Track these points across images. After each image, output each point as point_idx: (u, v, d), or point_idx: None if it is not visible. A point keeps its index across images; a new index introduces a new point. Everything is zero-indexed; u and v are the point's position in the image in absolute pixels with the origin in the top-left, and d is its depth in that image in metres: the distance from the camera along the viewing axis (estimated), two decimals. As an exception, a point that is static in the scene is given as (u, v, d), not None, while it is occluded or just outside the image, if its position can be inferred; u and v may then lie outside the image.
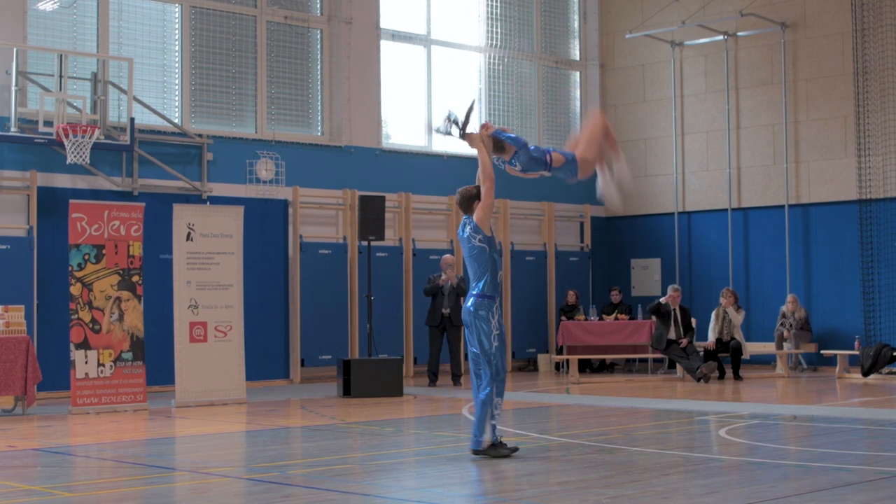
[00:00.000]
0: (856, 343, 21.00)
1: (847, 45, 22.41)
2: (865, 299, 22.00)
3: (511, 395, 17.71)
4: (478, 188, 10.60)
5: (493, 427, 10.26)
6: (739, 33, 23.82)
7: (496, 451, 10.24)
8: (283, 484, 9.10)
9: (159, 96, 19.70)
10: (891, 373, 20.09)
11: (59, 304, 17.08)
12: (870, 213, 22.00)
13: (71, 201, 15.96)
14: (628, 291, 24.97)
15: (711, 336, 20.52)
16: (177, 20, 19.96)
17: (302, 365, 20.63)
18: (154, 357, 17.22)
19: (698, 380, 19.55)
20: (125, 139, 18.25)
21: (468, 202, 10.63)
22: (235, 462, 10.82)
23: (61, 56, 17.84)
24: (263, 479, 9.30)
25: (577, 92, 25.97)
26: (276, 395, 18.12)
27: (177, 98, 19.89)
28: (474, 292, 10.43)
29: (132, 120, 18.25)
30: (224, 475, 9.71)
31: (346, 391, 17.49)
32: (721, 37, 23.97)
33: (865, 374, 19.78)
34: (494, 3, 24.35)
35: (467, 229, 10.51)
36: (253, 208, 19.36)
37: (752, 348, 21.47)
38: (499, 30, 24.47)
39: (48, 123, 17.28)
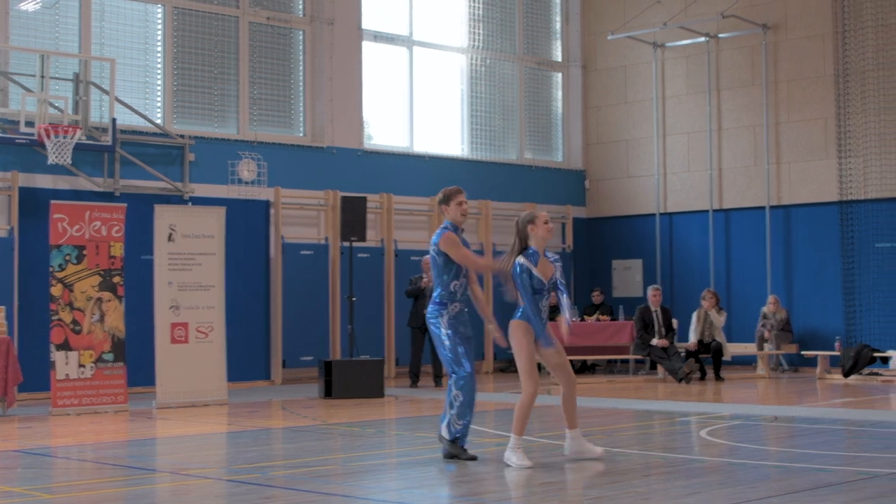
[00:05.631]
0: (836, 344, 21.06)
1: (828, 46, 22.48)
2: (846, 300, 22.07)
3: (492, 396, 17.72)
4: (445, 192, 10.58)
5: (449, 424, 10.20)
6: (721, 35, 23.88)
7: (451, 448, 10.21)
8: (265, 485, 9.08)
9: (141, 97, 19.67)
10: (871, 374, 20.16)
11: (40, 304, 17.01)
12: (850, 215, 22.07)
13: (52, 202, 15.91)
14: (610, 292, 25.01)
15: (693, 337, 20.56)
16: (159, 21, 19.92)
17: (283, 366, 20.61)
18: (135, 358, 17.18)
19: (680, 381, 19.59)
20: (107, 140, 18.21)
21: (439, 205, 10.68)
22: (216, 463, 10.80)
23: (43, 56, 17.78)
24: (244, 481, 9.29)
25: (560, 93, 26.00)
26: (258, 396, 18.10)
27: (159, 99, 19.86)
28: (434, 299, 10.52)
29: (114, 120, 18.22)
30: (205, 476, 9.69)
31: (328, 392, 17.48)
32: (702, 38, 24.03)
33: (846, 374, 19.84)
34: (476, 5, 24.37)
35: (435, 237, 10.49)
36: (235, 209, 19.33)
37: (733, 349, 21.51)
38: (481, 31, 24.49)
39: (30, 124, 17.23)
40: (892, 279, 21.59)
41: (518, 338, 10.07)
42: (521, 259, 10.02)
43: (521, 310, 10.16)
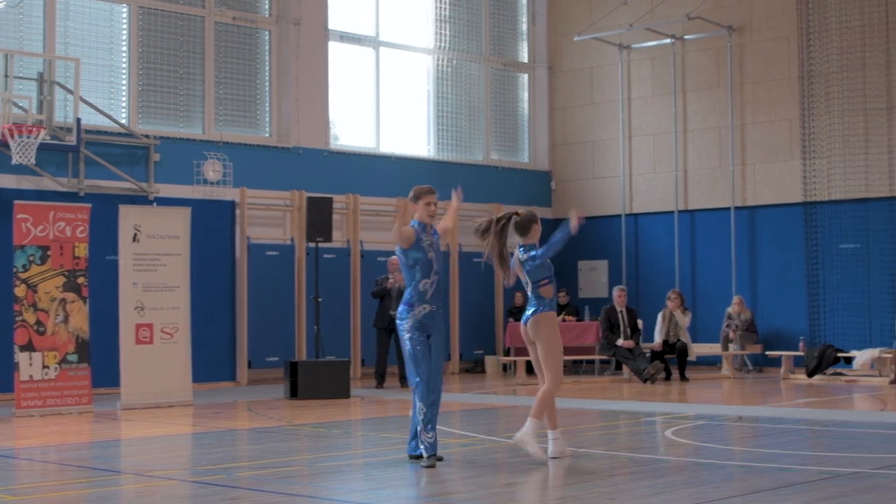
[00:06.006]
0: (800, 344, 21.18)
1: (793, 48, 22.60)
2: (810, 301, 22.19)
3: (458, 396, 17.73)
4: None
5: (423, 441, 9.96)
6: (686, 36, 23.97)
7: (431, 461, 10.05)
8: (230, 486, 9.06)
9: (106, 97, 19.58)
10: (835, 373, 20.28)
11: (4, 305, 16.89)
12: (814, 216, 22.20)
13: (16, 202, 15.81)
14: (576, 293, 25.06)
15: (658, 337, 20.63)
16: (124, 20, 19.84)
17: (249, 367, 20.56)
18: (99, 359, 17.08)
19: (645, 381, 19.65)
20: (71, 140, 18.12)
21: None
22: (181, 465, 10.76)
23: (7, 55, 17.69)
24: (209, 482, 9.26)
25: (526, 94, 26.05)
26: (223, 397, 18.05)
27: (124, 98, 19.78)
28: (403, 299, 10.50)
29: (78, 120, 18.14)
30: (170, 478, 9.66)
31: (294, 393, 17.45)
32: (668, 40, 24.11)
33: (810, 374, 19.95)
34: (443, 6, 24.38)
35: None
36: (200, 209, 19.25)
37: (698, 349, 21.60)
38: (447, 32, 24.50)
39: (-7, 123, 17.13)
40: (855, 280, 21.72)
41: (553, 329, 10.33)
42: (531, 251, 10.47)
43: (545, 301, 10.31)
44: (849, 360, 20.26)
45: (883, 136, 21.57)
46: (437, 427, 10.15)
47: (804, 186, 22.32)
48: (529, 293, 10.50)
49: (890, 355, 19.38)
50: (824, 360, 19.95)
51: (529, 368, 21.73)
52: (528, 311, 10.42)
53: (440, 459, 10.07)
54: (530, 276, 10.45)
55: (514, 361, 21.46)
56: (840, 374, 20.29)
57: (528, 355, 21.69)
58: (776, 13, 22.90)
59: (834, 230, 21.99)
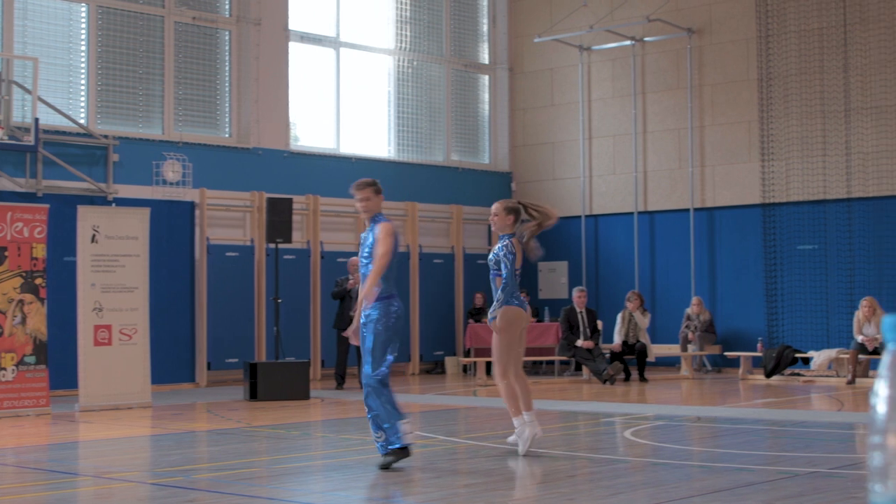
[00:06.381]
0: (758, 345, 21.29)
1: (752, 50, 22.73)
2: (768, 302, 22.32)
3: (418, 397, 17.73)
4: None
5: (387, 440, 9.77)
6: (647, 38, 24.07)
7: (399, 455, 9.91)
8: (188, 488, 9.03)
9: (65, 96, 19.47)
10: (793, 374, 20.41)
11: (-40, 306, 16.78)
12: (773, 217, 22.33)
13: (-28, 202, 15.72)
14: (535, 294, 25.12)
15: (617, 338, 20.70)
16: (83, 19, 19.73)
17: (208, 368, 20.49)
18: (57, 361, 17.00)
19: (604, 382, 19.71)
20: (29, 139, 18.01)
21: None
22: (140, 466, 10.72)
23: (-37, 55, 17.57)
24: (168, 484, 9.23)
25: (487, 95, 26.08)
26: (182, 398, 17.98)
27: (83, 98, 19.67)
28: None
29: (36, 120, 18.03)
30: (128, 480, 9.62)
31: (253, 394, 17.39)
32: (628, 42, 24.21)
33: (768, 375, 20.06)
34: (404, 6, 24.37)
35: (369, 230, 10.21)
36: (159, 210, 19.18)
37: (657, 350, 21.69)
38: (408, 33, 24.50)
39: (-51, 123, 17.01)
40: (813, 281, 21.86)
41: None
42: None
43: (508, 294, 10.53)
44: (806, 361, 20.41)
45: (840, 139, 21.73)
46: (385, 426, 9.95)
47: (763, 188, 22.45)
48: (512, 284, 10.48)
49: (847, 356, 19.51)
50: (782, 361, 20.08)
51: (490, 369, 21.77)
52: (518, 302, 10.60)
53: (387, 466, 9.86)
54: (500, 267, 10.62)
55: (475, 362, 21.48)
56: (798, 374, 20.42)
57: (488, 356, 21.77)
58: (735, 16, 23.03)
59: (792, 231, 22.13)
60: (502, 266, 10.50)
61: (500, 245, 10.62)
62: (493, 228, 10.88)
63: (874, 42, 21.44)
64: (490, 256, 10.70)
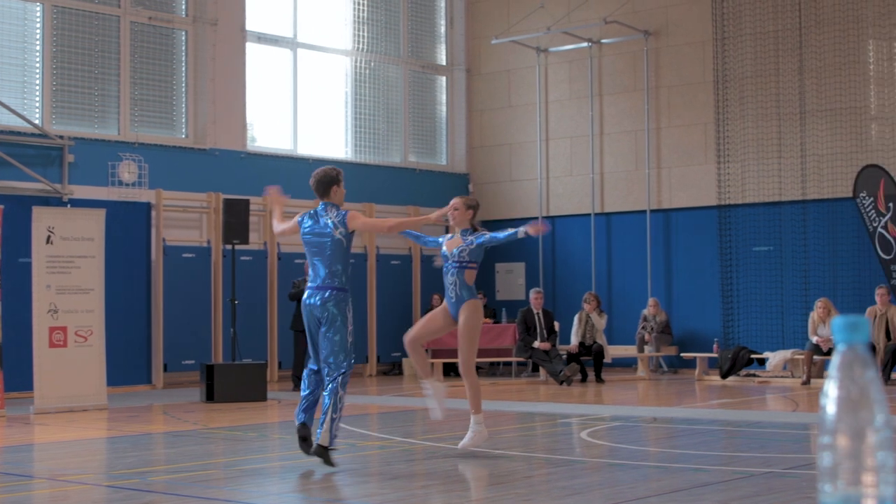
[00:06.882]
0: (714, 346, 21.40)
1: (708, 53, 22.86)
2: (724, 303, 22.44)
3: (376, 399, 17.72)
4: (338, 171, 10.63)
5: (332, 430, 9.79)
6: (603, 40, 24.15)
7: (326, 455, 9.81)
8: (144, 490, 8.99)
9: (19, 96, 19.33)
10: (748, 375, 20.53)
11: (-87, 308, 16.64)
12: (728, 219, 22.46)
13: (-74, 203, 15.58)
14: (493, 295, 25.15)
15: (574, 339, 20.76)
16: (38, 19, 19.60)
17: (165, 370, 20.40)
18: (12, 363, 16.87)
19: (561, 383, 19.75)
20: (-17, 140, 17.88)
21: (326, 186, 10.59)
22: (95, 469, 10.67)
23: (-84, 54, 17.42)
24: (124, 486, 9.18)
25: (444, 97, 26.10)
26: (138, 400, 17.89)
27: (37, 98, 19.54)
28: (335, 284, 10.17)
29: (-10, 120, 17.90)
30: (83, 482, 9.56)
31: (210, 396, 17.32)
32: (585, 44, 24.28)
33: (724, 376, 20.17)
34: (361, 7, 24.35)
35: (327, 220, 10.38)
36: (115, 211, 19.06)
37: (613, 351, 21.77)
38: (365, 33, 24.48)
39: None
40: (769, 282, 22.00)
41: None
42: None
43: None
44: (762, 362, 20.53)
45: (796, 141, 21.87)
46: (343, 426, 10.06)
47: (719, 190, 22.57)
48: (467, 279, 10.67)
49: (802, 357, 19.65)
50: (738, 362, 20.19)
51: (447, 371, 21.80)
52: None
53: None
54: (472, 256, 10.65)
55: (432, 364, 21.47)
56: (753, 375, 20.55)
57: (446, 357, 21.77)
58: (692, 18, 23.15)
59: (748, 233, 22.26)
60: (475, 256, 10.67)
61: (466, 239, 10.72)
62: (451, 222, 10.96)
63: (829, 45, 21.60)
64: (454, 251, 10.71)
